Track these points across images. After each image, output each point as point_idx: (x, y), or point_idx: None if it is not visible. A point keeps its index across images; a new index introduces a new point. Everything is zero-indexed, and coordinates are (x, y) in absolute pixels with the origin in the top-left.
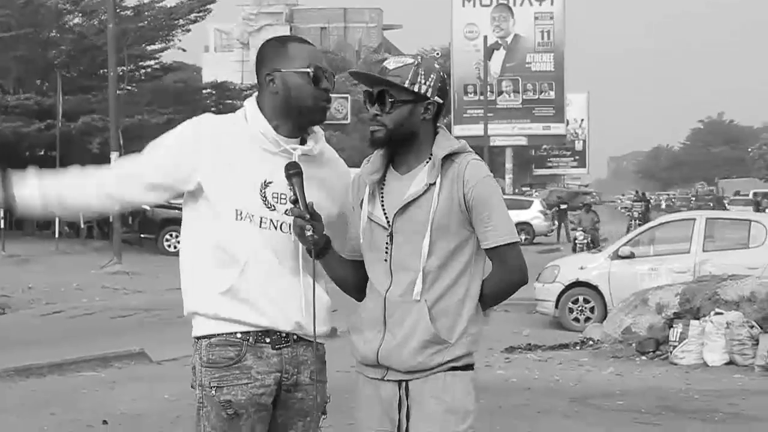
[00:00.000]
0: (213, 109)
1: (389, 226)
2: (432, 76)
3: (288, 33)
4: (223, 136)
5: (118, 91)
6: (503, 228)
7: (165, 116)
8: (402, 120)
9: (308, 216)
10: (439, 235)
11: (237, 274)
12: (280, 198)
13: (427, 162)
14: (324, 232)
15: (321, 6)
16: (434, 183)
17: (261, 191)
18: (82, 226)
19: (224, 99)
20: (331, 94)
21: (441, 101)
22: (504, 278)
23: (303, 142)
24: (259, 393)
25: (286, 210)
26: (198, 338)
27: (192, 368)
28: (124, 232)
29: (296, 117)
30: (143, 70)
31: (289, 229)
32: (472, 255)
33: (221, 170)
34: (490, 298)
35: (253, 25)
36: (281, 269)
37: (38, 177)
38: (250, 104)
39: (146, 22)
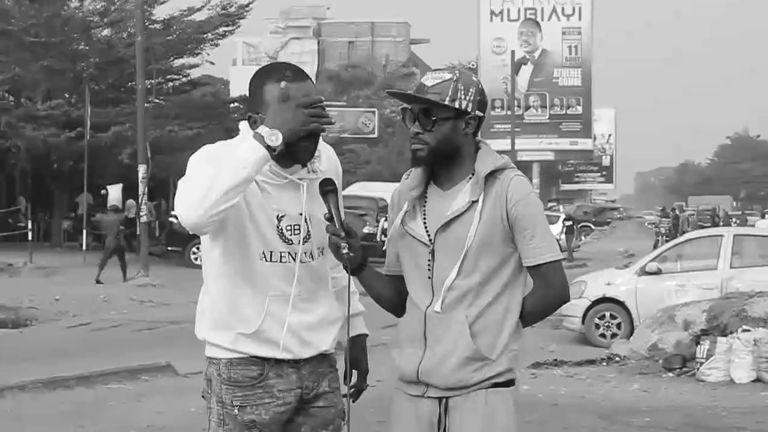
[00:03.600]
0: (240, 122)
1: (431, 243)
2: (471, 90)
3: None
4: None
5: (146, 104)
6: (546, 246)
7: (194, 130)
8: (444, 137)
9: (344, 233)
10: (482, 252)
11: (261, 315)
12: (294, 230)
13: (470, 178)
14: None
15: (348, 20)
16: (477, 200)
17: (278, 227)
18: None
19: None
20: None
21: (481, 115)
22: (546, 296)
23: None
24: (281, 411)
25: (301, 239)
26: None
27: (206, 380)
28: (151, 245)
29: (283, 157)
30: (171, 84)
31: (311, 257)
32: (514, 272)
33: (242, 209)
34: (530, 315)
35: (281, 39)
36: (301, 300)
37: None
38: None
39: (174, 36)
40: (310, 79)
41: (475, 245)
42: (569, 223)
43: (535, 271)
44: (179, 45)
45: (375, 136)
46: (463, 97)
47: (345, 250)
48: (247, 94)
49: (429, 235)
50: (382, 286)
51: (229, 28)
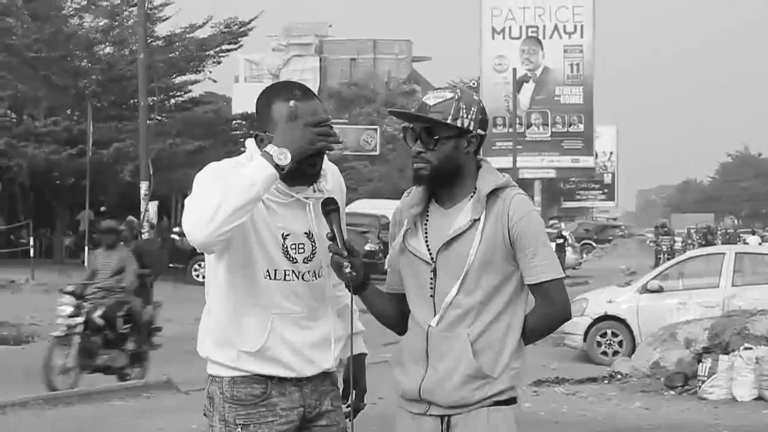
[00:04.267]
0: (242, 140)
1: (433, 261)
2: (473, 108)
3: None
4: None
5: (148, 122)
6: (547, 264)
7: (196, 144)
8: (447, 156)
9: (346, 253)
10: (484, 271)
11: (265, 333)
12: (299, 248)
13: (472, 196)
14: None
15: (350, 37)
16: (479, 219)
17: (282, 246)
18: None
19: (254, 130)
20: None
21: (483, 133)
22: (547, 314)
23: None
24: (284, 429)
25: (305, 258)
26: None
27: (209, 398)
28: None
29: (289, 175)
30: (173, 101)
31: (314, 276)
32: (516, 290)
33: (248, 227)
34: (532, 333)
35: (283, 56)
36: (304, 318)
37: None
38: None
39: (177, 53)
40: (318, 97)
41: (476, 263)
42: (560, 240)
43: (536, 289)
44: (181, 62)
45: (377, 153)
46: (465, 115)
47: (347, 270)
48: (254, 112)
49: (431, 254)
50: (383, 304)
51: (232, 46)
